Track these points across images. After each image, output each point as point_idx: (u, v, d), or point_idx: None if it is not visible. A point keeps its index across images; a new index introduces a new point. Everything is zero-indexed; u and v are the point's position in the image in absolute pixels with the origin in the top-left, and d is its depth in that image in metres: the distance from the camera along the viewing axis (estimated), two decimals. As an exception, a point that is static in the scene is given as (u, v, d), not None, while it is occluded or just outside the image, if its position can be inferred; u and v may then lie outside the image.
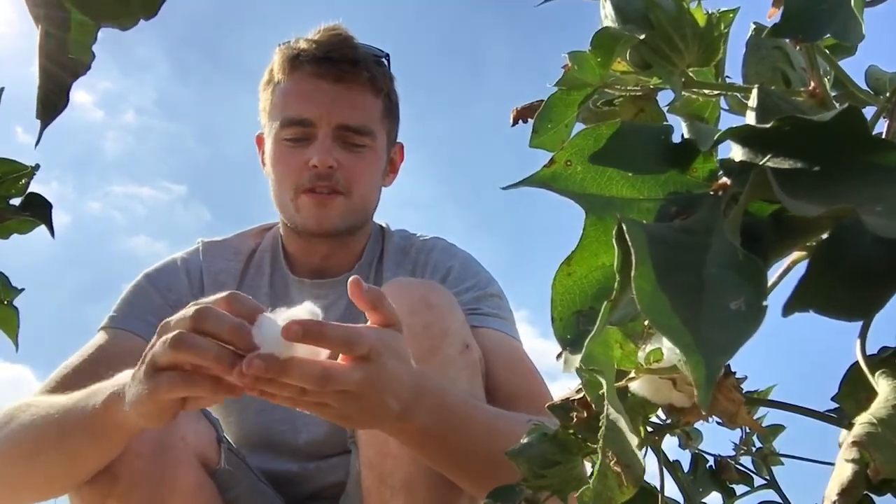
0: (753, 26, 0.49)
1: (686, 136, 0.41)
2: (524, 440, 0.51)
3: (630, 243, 0.25)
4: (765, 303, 0.23)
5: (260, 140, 1.21)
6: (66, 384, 0.95)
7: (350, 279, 0.72)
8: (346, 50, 1.11)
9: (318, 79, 1.10)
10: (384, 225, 1.27)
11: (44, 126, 0.35)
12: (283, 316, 0.68)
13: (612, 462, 0.40)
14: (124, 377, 0.75)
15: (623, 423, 0.39)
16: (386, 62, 1.18)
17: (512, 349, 1.04)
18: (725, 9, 0.47)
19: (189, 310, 0.68)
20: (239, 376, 0.65)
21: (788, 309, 0.26)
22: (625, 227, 0.26)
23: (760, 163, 0.30)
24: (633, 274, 0.24)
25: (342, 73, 1.10)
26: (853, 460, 0.32)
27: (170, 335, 0.67)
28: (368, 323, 0.75)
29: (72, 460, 0.82)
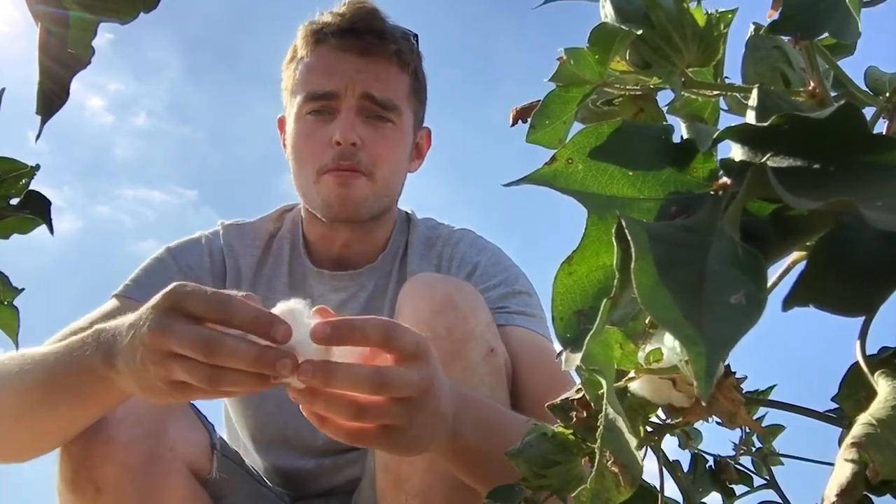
0: (752, 26, 0.49)
1: (685, 136, 0.41)
2: (524, 440, 0.51)
3: (630, 239, 0.25)
4: (765, 296, 0.23)
5: (281, 123, 1.18)
6: None
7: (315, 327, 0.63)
8: (371, 21, 1.07)
9: (343, 52, 1.06)
10: (410, 212, 1.22)
11: (44, 121, 0.35)
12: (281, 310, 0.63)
13: (610, 462, 0.40)
14: (112, 331, 0.70)
15: (621, 423, 0.39)
16: (414, 41, 1.13)
17: (539, 348, 1.00)
18: (724, 9, 0.47)
19: (209, 294, 0.63)
20: (288, 382, 0.60)
21: (788, 303, 0.26)
22: (624, 224, 0.26)
23: (759, 161, 0.30)
24: (632, 267, 0.24)
25: (368, 45, 1.06)
26: (852, 461, 0.32)
27: (195, 334, 0.61)
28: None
29: (58, 421, 0.79)
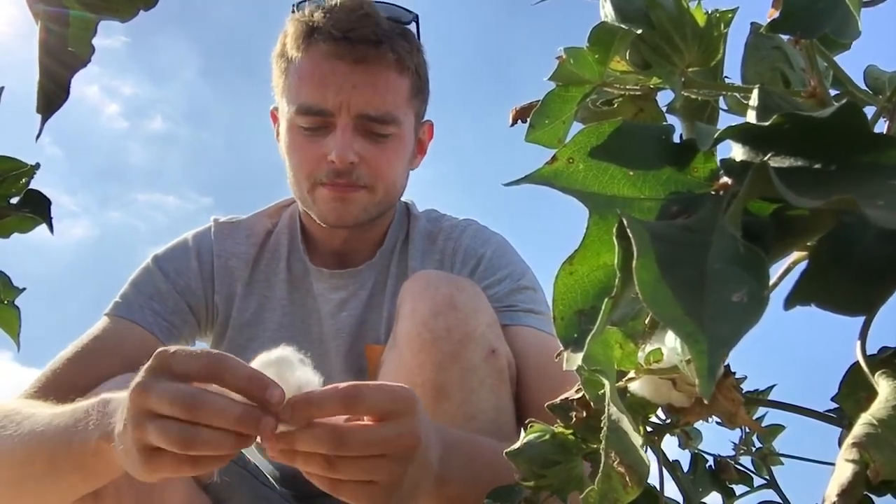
0: (752, 26, 0.49)
1: (685, 136, 0.41)
2: (524, 440, 0.51)
3: (632, 237, 0.25)
4: (767, 294, 0.23)
5: (274, 115, 1.13)
6: (60, 378, 0.93)
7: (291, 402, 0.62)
8: (366, 29, 0.98)
9: (336, 59, 0.99)
10: (409, 203, 1.18)
11: (44, 120, 0.35)
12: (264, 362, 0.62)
13: (616, 462, 0.39)
14: (118, 403, 0.68)
15: (626, 423, 0.39)
16: (414, 27, 1.06)
17: (545, 349, 0.96)
18: (724, 9, 0.47)
19: (200, 353, 0.62)
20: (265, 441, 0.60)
21: (790, 302, 0.26)
22: (626, 222, 0.26)
23: (760, 161, 0.30)
24: (634, 265, 0.24)
25: (363, 54, 0.98)
26: (853, 461, 0.32)
27: (176, 390, 0.60)
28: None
29: (61, 491, 0.78)
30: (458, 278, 0.97)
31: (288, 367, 0.63)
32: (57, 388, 0.90)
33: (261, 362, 0.63)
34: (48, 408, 0.80)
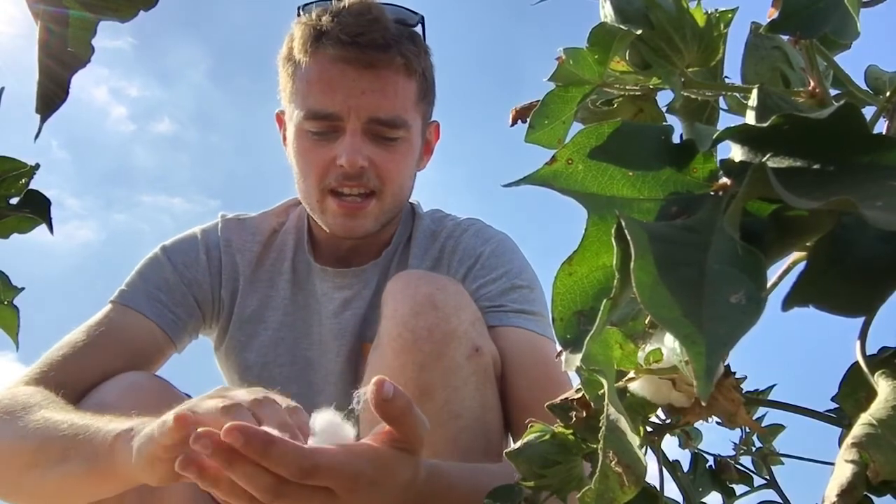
0: (752, 26, 0.49)
1: (684, 136, 0.41)
2: (524, 440, 0.51)
3: (630, 238, 0.25)
4: (765, 295, 0.23)
5: (280, 119, 1.13)
6: (63, 365, 0.93)
7: (375, 380, 0.63)
8: (375, 34, 0.98)
9: (345, 64, 0.99)
10: (415, 204, 1.18)
11: (43, 120, 0.35)
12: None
13: (613, 462, 0.40)
14: (139, 422, 0.70)
15: (624, 423, 0.39)
16: (420, 28, 1.06)
17: (533, 350, 0.96)
18: (724, 9, 0.47)
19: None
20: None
21: (788, 303, 0.26)
22: (624, 223, 0.26)
23: (759, 161, 0.30)
24: (632, 266, 0.24)
25: (372, 59, 0.98)
26: (853, 461, 0.32)
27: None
28: (384, 430, 0.66)
29: (64, 485, 0.77)
30: (440, 277, 0.97)
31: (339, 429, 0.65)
32: (58, 374, 0.90)
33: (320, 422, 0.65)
34: (76, 412, 0.81)
